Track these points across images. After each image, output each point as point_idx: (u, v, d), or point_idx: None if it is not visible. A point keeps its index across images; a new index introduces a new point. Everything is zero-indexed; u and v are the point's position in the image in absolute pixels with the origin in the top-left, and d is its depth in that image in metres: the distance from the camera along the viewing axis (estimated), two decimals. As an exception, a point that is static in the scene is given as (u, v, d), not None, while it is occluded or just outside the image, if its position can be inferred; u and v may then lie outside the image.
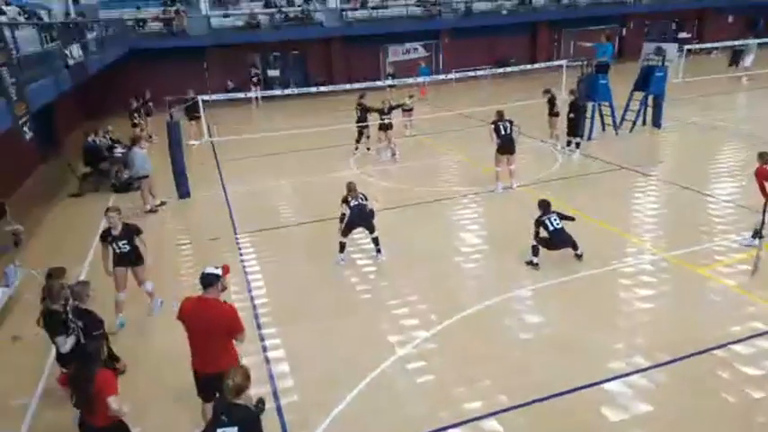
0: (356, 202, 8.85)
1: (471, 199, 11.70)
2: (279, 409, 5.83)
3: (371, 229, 8.98)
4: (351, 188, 8.99)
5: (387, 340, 6.90)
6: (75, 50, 12.42)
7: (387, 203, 11.19)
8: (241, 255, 9.63)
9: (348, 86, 18.48)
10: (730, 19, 35.36)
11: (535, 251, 8.48)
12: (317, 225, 10.25)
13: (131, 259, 7.37)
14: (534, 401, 5.68)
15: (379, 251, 9.10)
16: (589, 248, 8.61)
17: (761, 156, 8.39)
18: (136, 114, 18.20)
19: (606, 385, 5.87)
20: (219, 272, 4.96)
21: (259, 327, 7.39)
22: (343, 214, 8.90)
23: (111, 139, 15.60)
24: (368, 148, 15.76)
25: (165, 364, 6.59)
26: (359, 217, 8.85)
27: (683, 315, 7.11)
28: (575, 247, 8.48)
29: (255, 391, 5.81)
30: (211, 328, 4.91)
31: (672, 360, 6.20)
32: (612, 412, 5.50)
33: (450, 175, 13.80)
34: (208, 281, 4.89)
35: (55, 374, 5.81)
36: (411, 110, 17.54)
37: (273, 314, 7.67)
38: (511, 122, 11.61)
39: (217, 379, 4.63)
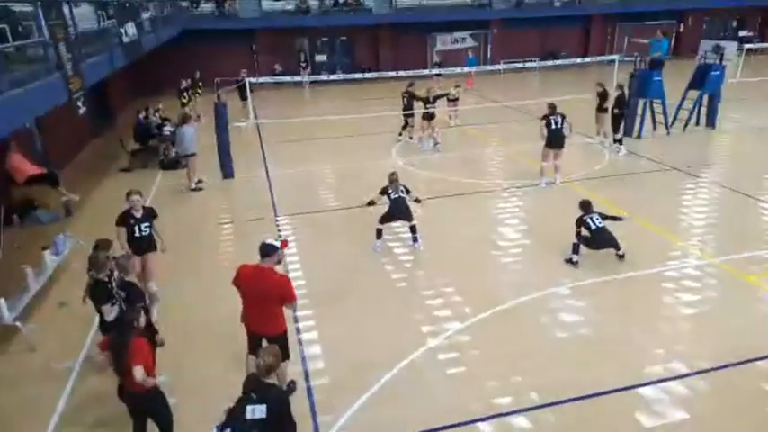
0: (396, 195, 8.85)
1: (512, 192, 11.54)
2: (309, 390, 5.93)
3: (410, 218, 8.98)
4: (392, 179, 8.97)
5: (419, 330, 6.91)
6: (131, 29, 12.76)
7: (427, 193, 11.14)
8: (280, 236, 9.78)
9: (394, 74, 18.44)
10: (798, 17, 33.55)
11: (576, 249, 8.32)
12: (356, 211, 10.32)
13: (148, 244, 7.31)
14: (566, 401, 5.60)
15: (416, 239, 9.10)
16: (632, 249, 8.39)
17: None
18: (185, 94, 18.63)
19: (642, 390, 5.73)
20: (278, 244, 5.30)
21: (294, 309, 7.49)
22: (372, 201, 8.94)
23: (161, 117, 16.03)
24: (410, 137, 15.71)
25: (201, 334, 6.79)
26: (398, 210, 8.87)
27: (728, 323, 6.86)
28: (617, 247, 8.28)
29: (288, 370, 5.97)
30: (265, 294, 5.26)
31: (713, 368, 6.01)
32: (646, 417, 5.37)
33: (493, 167, 13.63)
34: (266, 251, 5.22)
35: (96, 341, 6.06)
36: (456, 100, 17.36)
37: (309, 296, 7.77)
38: (563, 117, 11.36)
39: (268, 339, 5.34)
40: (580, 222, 8.31)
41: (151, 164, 14.39)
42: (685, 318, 7.04)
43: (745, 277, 7.88)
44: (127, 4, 13.64)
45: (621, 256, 8.30)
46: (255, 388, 4.03)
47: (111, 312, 5.46)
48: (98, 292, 5.52)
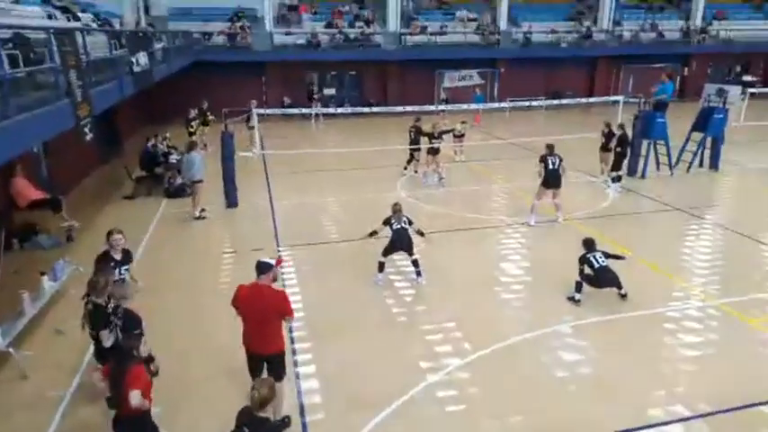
0: (399, 226, 8.86)
1: (516, 229, 11.54)
2: (304, 426, 5.82)
3: (410, 252, 8.97)
4: (396, 210, 8.99)
5: (418, 365, 6.82)
6: (142, 58, 13.03)
7: (430, 227, 11.11)
8: (281, 267, 9.76)
9: (401, 108, 18.70)
10: (800, 64, 33.98)
11: (578, 287, 8.26)
12: (359, 244, 10.30)
13: None
14: (565, 443, 5.49)
15: (419, 274, 9.06)
16: (634, 289, 8.32)
17: None
18: (192, 123, 18.88)
19: (642, 433, 5.62)
20: (273, 262, 5.54)
21: (292, 341, 7.43)
22: (375, 231, 8.94)
23: (168, 145, 16.22)
24: (415, 171, 15.81)
25: (199, 363, 6.72)
26: (399, 241, 8.86)
27: (730, 366, 6.75)
28: (619, 286, 8.22)
29: (283, 404, 5.88)
30: (265, 311, 5.43)
31: (714, 412, 5.89)
32: (648, 463, 5.25)
33: (497, 203, 13.67)
34: (262, 268, 5.46)
35: (90, 369, 6.00)
36: (462, 136, 17.51)
37: (308, 329, 7.72)
38: (560, 158, 11.48)
39: (265, 359, 5.60)
40: (583, 260, 8.28)
41: (155, 191, 14.48)
42: (687, 360, 6.94)
43: (747, 320, 7.79)
44: (140, 34, 13.95)
45: (624, 296, 8.23)
46: (248, 422, 3.96)
47: (108, 339, 5.41)
48: (97, 318, 5.47)
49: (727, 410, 5.92)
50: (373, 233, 9.04)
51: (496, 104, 25.80)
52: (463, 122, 17.75)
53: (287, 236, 11.31)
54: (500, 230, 11.51)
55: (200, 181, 12.36)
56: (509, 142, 20.36)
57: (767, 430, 5.64)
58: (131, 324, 5.37)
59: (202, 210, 12.59)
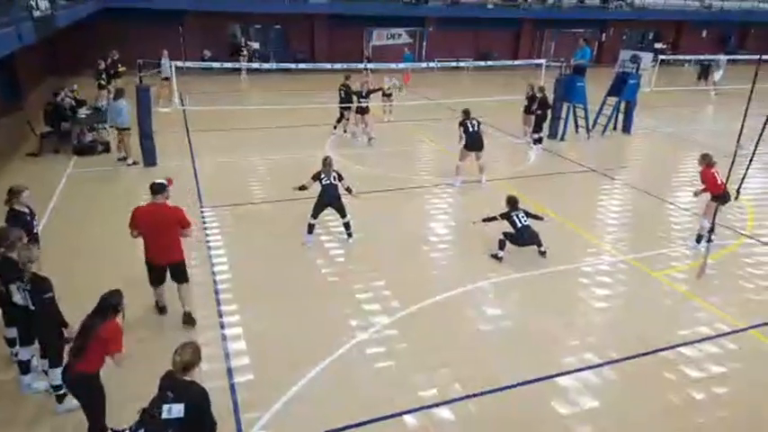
0: (328, 182, 8.70)
1: (443, 189, 11.75)
2: (232, 387, 5.77)
3: (343, 213, 8.90)
4: (326, 163, 8.79)
5: (348, 324, 6.89)
6: (42, 2, 11.87)
7: (360, 187, 11.06)
8: (205, 229, 9.46)
9: (329, 66, 18.28)
10: (704, 34, 36.22)
11: (501, 245, 8.58)
12: (286, 204, 10.14)
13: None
14: (488, 392, 5.77)
15: (350, 235, 9.06)
16: (553, 246, 8.76)
17: (703, 157, 8.89)
18: (103, 75, 17.60)
19: (558, 379, 6.01)
20: (166, 182, 6.43)
21: (218, 303, 7.29)
22: (304, 186, 8.78)
23: (75, 98, 15.05)
24: (344, 131, 15.62)
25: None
26: (328, 197, 8.71)
27: (636, 316, 7.32)
28: (539, 244, 8.62)
29: (209, 366, 5.80)
30: (164, 223, 6.31)
31: (622, 359, 6.39)
32: (562, 406, 5.64)
33: (425, 164, 13.82)
34: (158, 188, 6.34)
35: None
36: (390, 95, 17.43)
37: (234, 291, 7.58)
38: (478, 122, 11.78)
39: (167, 269, 6.58)
40: (506, 217, 8.58)
41: (63, 148, 13.48)
42: (598, 311, 7.45)
43: (653, 273, 8.43)
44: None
45: (543, 253, 8.65)
46: (172, 386, 3.85)
47: (18, 295, 5.04)
48: (6, 269, 5.07)
49: (633, 357, 6.44)
50: (302, 187, 8.81)
51: (424, 64, 25.81)
52: (399, 88, 17.59)
53: (210, 196, 10.92)
54: (428, 190, 11.68)
55: (128, 129, 12.20)
56: (437, 102, 20.50)
57: (670, 374, 6.19)
58: (43, 287, 5.01)
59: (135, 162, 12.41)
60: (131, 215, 6.33)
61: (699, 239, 9.20)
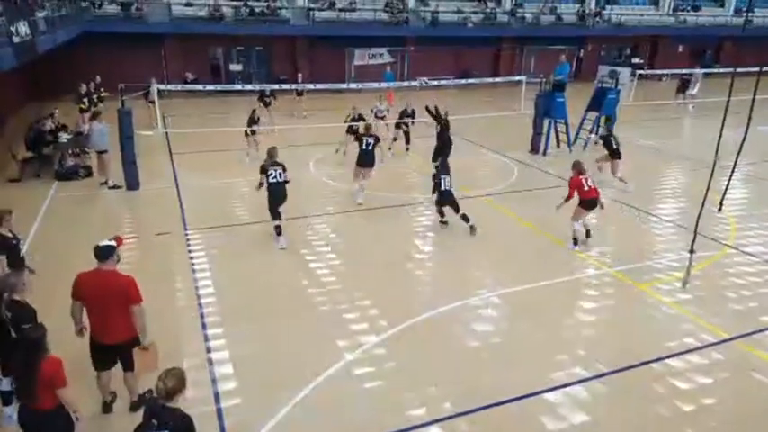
0: (274, 179, 8.77)
1: (428, 206, 11.76)
2: (219, 412, 5.67)
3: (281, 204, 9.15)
4: (271, 154, 8.86)
5: (335, 344, 6.83)
6: (23, 28, 11.82)
7: (346, 207, 11.13)
8: (190, 251, 9.36)
9: (312, 86, 18.32)
10: (680, 48, 37.05)
11: (441, 213, 10.23)
12: (270, 225, 10.08)
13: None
14: (477, 409, 5.73)
15: (279, 234, 9.29)
16: (538, 261, 8.82)
17: (575, 165, 9.55)
18: (85, 99, 17.47)
19: (547, 395, 5.99)
20: (114, 243, 5.15)
21: (204, 326, 7.18)
22: (261, 184, 8.91)
23: (56, 123, 14.91)
24: (336, 150, 15.42)
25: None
26: (275, 197, 8.85)
27: (623, 329, 7.35)
28: (458, 210, 9.91)
29: (195, 393, 5.69)
30: (109, 297, 5.07)
31: (610, 372, 6.39)
32: (551, 422, 5.61)
33: (410, 181, 13.84)
34: (104, 253, 5.07)
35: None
36: (384, 117, 17.49)
37: (220, 314, 7.48)
38: (376, 139, 11.79)
39: (114, 350, 5.26)
40: (435, 178, 10.08)
41: (45, 173, 13.31)
42: (586, 324, 7.48)
43: (638, 285, 8.49)
44: (17, 1, 12.63)
45: (473, 228, 9.75)
46: (156, 413, 3.78)
47: None
48: None
49: (622, 369, 6.44)
50: (260, 185, 9.12)
51: (406, 83, 25.98)
52: (387, 110, 17.67)
53: (195, 218, 10.82)
54: (413, 208, 11.70)
55: (106, 151, 12.23)
56: (420, 121, 20.60)
57: (657, 384, 6.21)
58: (23, 316, 4.89)
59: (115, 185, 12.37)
60: (74, 282, 5.19)
61: (575, 242, 9.62)
